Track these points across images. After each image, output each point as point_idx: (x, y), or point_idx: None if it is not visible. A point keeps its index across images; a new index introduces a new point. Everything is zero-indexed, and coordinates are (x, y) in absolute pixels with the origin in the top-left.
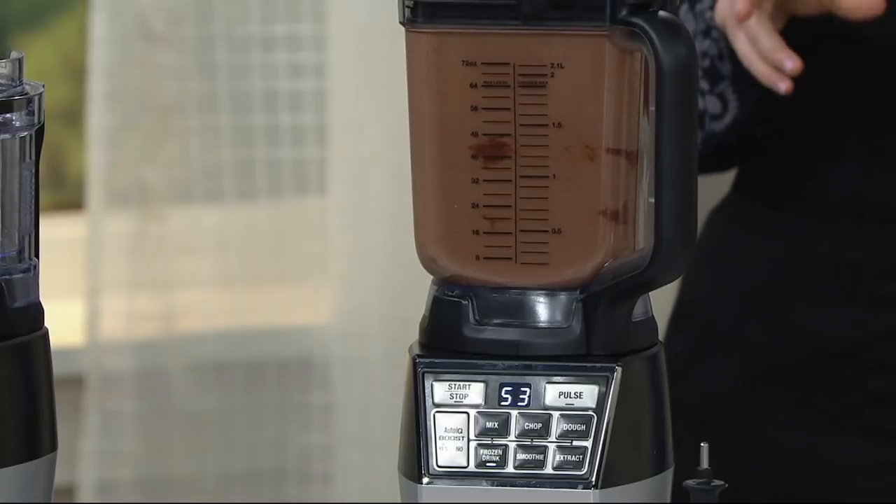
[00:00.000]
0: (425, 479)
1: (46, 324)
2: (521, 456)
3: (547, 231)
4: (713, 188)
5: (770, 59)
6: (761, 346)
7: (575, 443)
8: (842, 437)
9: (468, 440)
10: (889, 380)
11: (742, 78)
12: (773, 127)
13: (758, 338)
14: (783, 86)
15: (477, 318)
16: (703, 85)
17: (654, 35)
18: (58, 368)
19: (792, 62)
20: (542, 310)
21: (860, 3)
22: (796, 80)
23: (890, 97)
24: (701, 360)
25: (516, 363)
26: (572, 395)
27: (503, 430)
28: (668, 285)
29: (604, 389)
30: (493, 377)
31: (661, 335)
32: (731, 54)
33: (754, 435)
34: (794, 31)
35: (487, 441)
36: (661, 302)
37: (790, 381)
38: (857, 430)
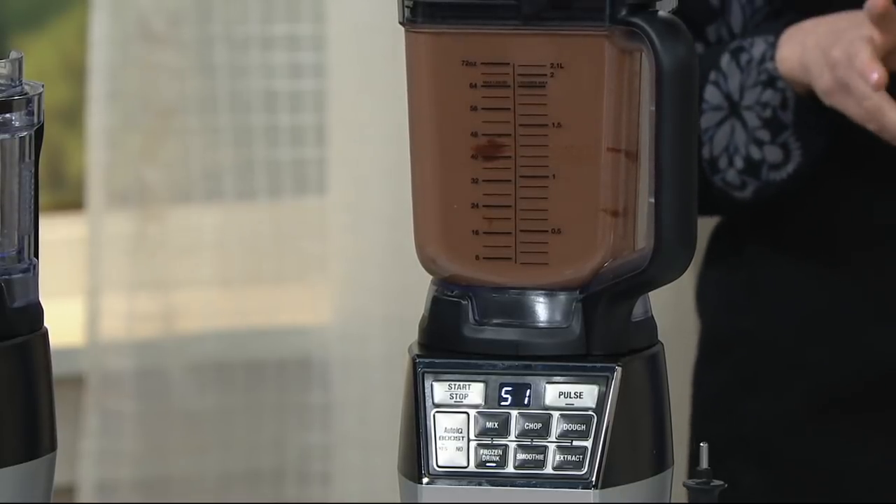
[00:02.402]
0: (425, 479)
1: (46, 324)
2: (521, 456)
3: (546, 231)
4: None
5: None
6: (825, 370)
7: (575, 443)
8: None
9: (468, 440)
10: None
11: (806, 127)
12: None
13: (820, 362)
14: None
15: (476, 318)
16: (764, 135)
17: (653, 35)
18: (58, 368)
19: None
20: (542, 310)
21: None
22: None
23: None
24: (754, 390)
25: (516, 363)
26: (572, 395)
27: (503, 430)
28: (673, 285)
29: (604, 389)
30: (493, 377)
31: (664, 335)
32: (795, 104)
33: (824, 461)
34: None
35: (487, 441)
36: (661, 302)
37: (858, 405)
38: None
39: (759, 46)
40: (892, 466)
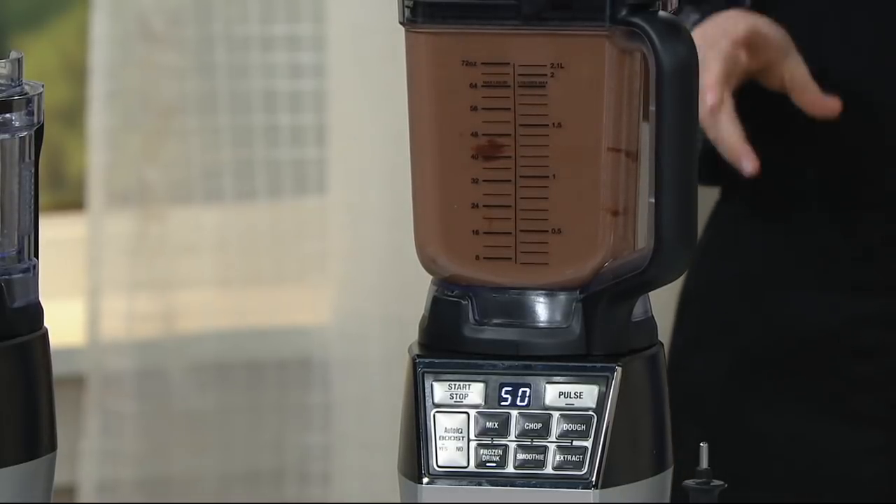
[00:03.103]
0: (425, 479)
1: (46, 324)
2: (521, 456)
3: (547, 231)
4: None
5: (730, 150)
6: (748, 334)
7: (575, 443)
8: (827, 423)
9: (468, 440)
10: (870, 364)
11: None
12: (743, 118)
13: (745, 326)
14: (748, 166)
15: (477, 318)
16: None
17: (654, 35)
18: (58, 368)
19: (749, 164)
20: (542, 310)
21: (818, 107)
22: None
23: (846, 85)
24: (697, 350)
25: (516, 363)
26: (572, 395)
27: (503, 430)
28: (673, 285)
29: (604, 389)
30: (493, 377)
31: (664, 335)
32: None
33: (743, 422)
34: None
35: (487, 441)
36: (661, 302)
37: (776, 369)
38: (841, 416)
39: (690, 18)
40: (804, 431)
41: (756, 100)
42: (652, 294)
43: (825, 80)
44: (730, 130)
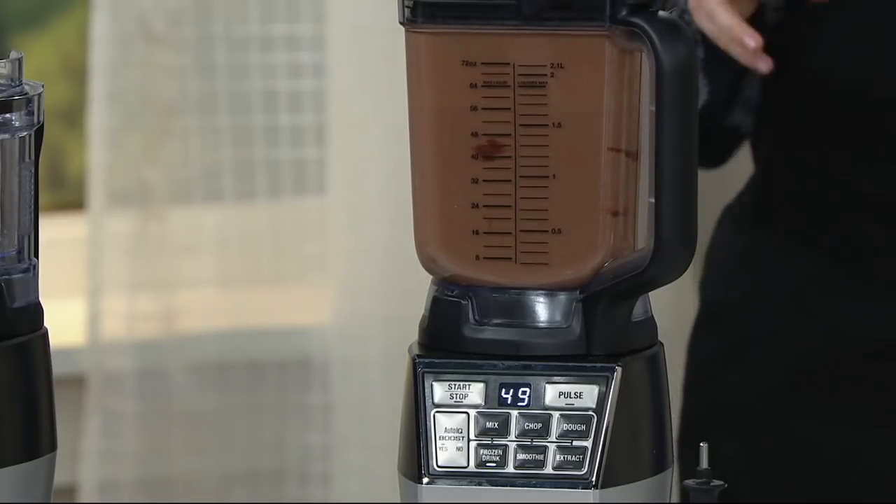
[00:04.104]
0: (425, 479)
1: (47, 324)
2: (521, 456)
3: (547, 231)
4: (716, 186)
5: (731, 38)
6: (802, 344)
7: (575, 443)
8: (885, 435)
9: (468, 440)
10: None
11: (714, 64)
12: (799, 124)
13: (798, 336)
14: (762, 65)
15: (477, 318)
16: None
17: (654, 35)
18: (58, 368)
19: (752, 39)
20: (542, 310)
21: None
22: (818, 69)
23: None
24: (737, 361)
25: (516, 363)
26: (572, 395)
27: (503, 430)
28: (673, 285)
29: (604, 389)
30: (493, 377)
31: (664, 335)
32: (703, 40)
33: (797, 434)
34: (805, 25)
35: (487, 441)
36: (661, 302)
37: (832, 379)
38: None
39: None
40: (861, 443)
41: (810, 109)
42: (652, 294)
43: (878, 88)
44: (721, 15)
